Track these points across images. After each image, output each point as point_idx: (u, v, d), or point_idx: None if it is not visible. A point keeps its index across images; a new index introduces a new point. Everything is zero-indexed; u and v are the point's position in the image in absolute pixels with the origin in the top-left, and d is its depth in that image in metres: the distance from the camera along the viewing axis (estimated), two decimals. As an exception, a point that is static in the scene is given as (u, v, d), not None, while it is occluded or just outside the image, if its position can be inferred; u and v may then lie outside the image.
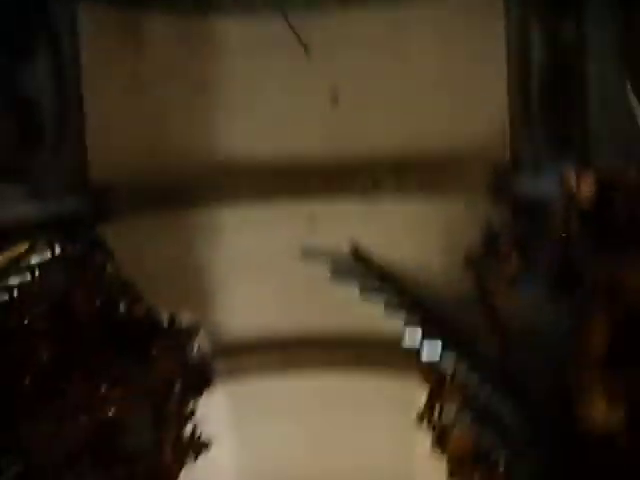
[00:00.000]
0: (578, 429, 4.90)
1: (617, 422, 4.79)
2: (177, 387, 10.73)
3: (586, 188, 5.55)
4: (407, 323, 5.32)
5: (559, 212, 5.63)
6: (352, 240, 4.91)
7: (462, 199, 9.81)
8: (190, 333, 10.79)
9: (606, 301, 4.95)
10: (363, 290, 5.08)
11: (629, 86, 5.95)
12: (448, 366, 6.60)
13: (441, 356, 5.60)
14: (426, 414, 9.84)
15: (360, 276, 4.92)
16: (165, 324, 10.35)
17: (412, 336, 5.29)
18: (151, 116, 10.49)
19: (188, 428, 11.00)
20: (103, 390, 8.77)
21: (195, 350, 11.05)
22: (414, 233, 9.05)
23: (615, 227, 5.38)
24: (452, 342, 5.25)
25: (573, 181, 5.65)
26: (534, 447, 5.39)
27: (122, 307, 9.88)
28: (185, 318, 10.74)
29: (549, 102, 8.02)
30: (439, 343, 5.32)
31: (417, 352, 10.15)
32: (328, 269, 4.91)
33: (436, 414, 9.57)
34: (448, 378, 8.52)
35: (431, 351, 5.67)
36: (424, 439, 9.94)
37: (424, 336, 5.33)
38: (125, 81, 10.31)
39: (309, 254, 4.88)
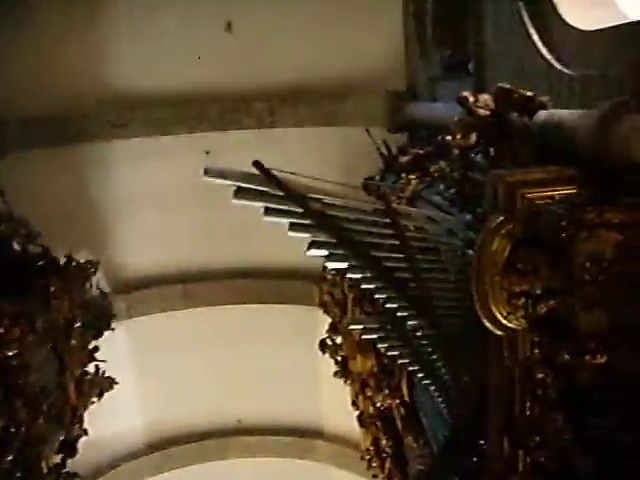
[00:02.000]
0: (482, 337, 5.10)
1: (517, 323, 5.00)
2: (77, 325, 10.62)
3: (483, 106, 5.70)
4: (311, 244, 5.36)
5: (457, 130, 5.76)
6: (255, 159, 4.89)
7: (361, 128, 9.92)
8: (88, 271, 10.65)
9: (505, 212, 5.11)
10: (268, 210, 5.07)
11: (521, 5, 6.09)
12: (352, 284, 6.77)
13: (344, 274, 5.69)
14: (328, 341, 10.07)
15: (265, 195, 4.91)
16: (62, 262, 10.18)
17: (317, 254, 5.33)
18: (40, 50, 10.13)
19: (91, 366, 10.94)
20: (2, 329, 8.60)
21: (94, 288, 10.93)
22: (313, 163, 9.11)
23: (512, 142, 5.57)
24: (356, 259, 5.33)
25: (470, 101, 5.78)
26: (439, 361, 5.61)
27: (17, 245, 9.64)
28: (83, 255, 10.58)
29: (443, 26, 8.13)
30: (343, 262, 5.40)
31: (318, 279, 10.39)
32: (231, 190, 4.88)
33: (338, 340, 9.81)
34: (350, 302, 8.73)
35: (335, 268, 5.75)
36: (328, 367, 10.19)
37: (329, 255, 5.39)
38: (13, 15, 9.92)
39: (211, 173, 4.84)
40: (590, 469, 5.28)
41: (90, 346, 10.87)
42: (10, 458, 8.31)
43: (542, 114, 5.67)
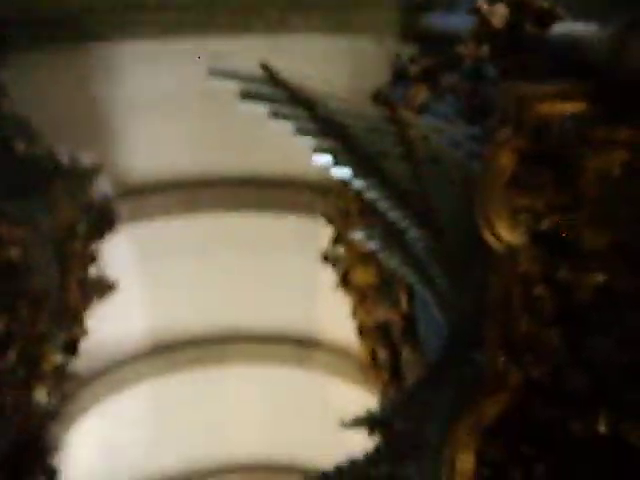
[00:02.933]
0: (483, 247, 5.10)
1: (519, 238, 5.00)
2: (80, 228, 10.65)
3: (498, 16, 5.57)
4: (317, 151, 5.31)
5: (470, 41, 5.66)
6: (263, 62, 4.79)
7: (371, 38, 9.71)
8: (92, 174, 10.62)
9: (514, 126, 5.05)
10: (273, 114, 5.00)
11: None
12: (356, 195, 6.74)
13: (349, 183, 5.66)
14: (330, 253, 10.10)
15: (271, 98, 4.83)
16: (66, 164, 10.14)
17: (322, 161, 5.28)
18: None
19: (93, 269, 11.01)
20: (4, 230, 8.62)
21: (97, 191, 10.90)
22: (321, 70, 8.96)
23: (525, 54, 5.46)
24: (362, 168, 5.29)
25: (485, 10, 5.65)
26: (439, 274, 5.62)
27: (20, 146, 9.58)
28: (87, 158, 10.52)
29: None
30: (348, 170, 5.35)
31: (323, 190, 10.34)
32: (237, 96, 4.81)
33: (340, 252, 9.83)
34: (354, 213, 8.72)
35: (339, 176, 5.71)
36: (328, 278, 10.25)
37: (334, 163, 5.34)
38: None
39: (217, 74, 4.76)
40: (583, 388, 5.34)
41: (92, 249, 10.92)
42: (13, 357, 8.45)
43: (558, 27, 5.53)
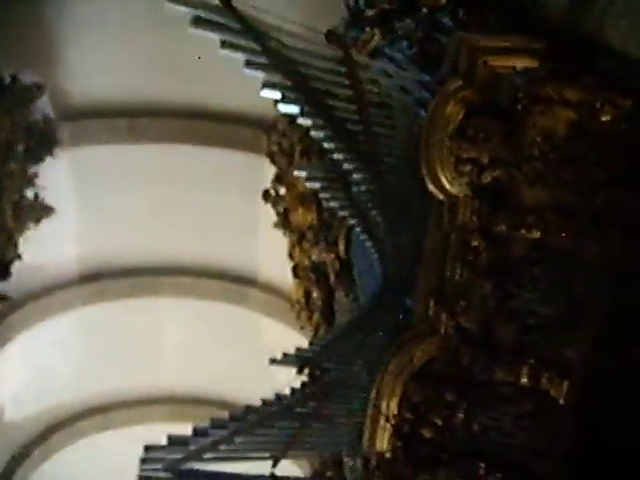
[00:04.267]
0: (424, 196, 5.13)
1: (460, 189, 5.05)
2: (18, 148, 10.41)
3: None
4: (265, 85, 5.25)
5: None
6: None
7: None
8: (33, 94, 10.34)
9: (464, 77, 5.05)
10: (224, 44, 4.91)
11: None
12: (303, 132, 6.71)
13: (295, 120, 5.61)
14: (272, 192, 10.08)
15: (223, 27, 4.74)
16: (7, 82, 9.87)
17: (271, 96, 5.22)
18: None
19: (30, 192, 10.81)
20: None
21: (38, 111, 10.63)
22: (276, 4, 8.78)
23: (482, 6, 5.45)
24: (310, 106, 5.25)
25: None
26: (379, 218, 5.66)
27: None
28: (28, 78, 10.24)
29: None
30: (296, 107, 5.31)
31: (268, 128, 10.27)
32: (190, 20, 4.70)
33: (282, 192, 9.81)
34: (298, 154, 8.69)
35: (286, 112, 5.67)
36: (268, 217, 10.24)
37: (282, 98, 5.29)
38: None
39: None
40: (510, 339, 5.48)
41: (30, 171, 10.69)
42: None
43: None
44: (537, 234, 5.22)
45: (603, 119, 5.02)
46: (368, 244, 5.99)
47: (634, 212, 5.19)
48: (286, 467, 7.51)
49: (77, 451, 14.65)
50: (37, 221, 11.08)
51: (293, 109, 5.25)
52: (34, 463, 14.27)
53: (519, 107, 5.08)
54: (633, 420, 5.47)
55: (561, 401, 5.50)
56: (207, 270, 12.65)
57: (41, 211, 11.11)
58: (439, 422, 5.37)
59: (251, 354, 11.88)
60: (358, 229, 6.08)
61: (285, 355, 5.80)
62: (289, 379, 6.49)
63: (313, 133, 5.51)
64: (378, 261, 5.94)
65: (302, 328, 9.23)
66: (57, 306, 12.70)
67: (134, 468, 6.69)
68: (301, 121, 5.40)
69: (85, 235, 12.16)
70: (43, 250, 11.62)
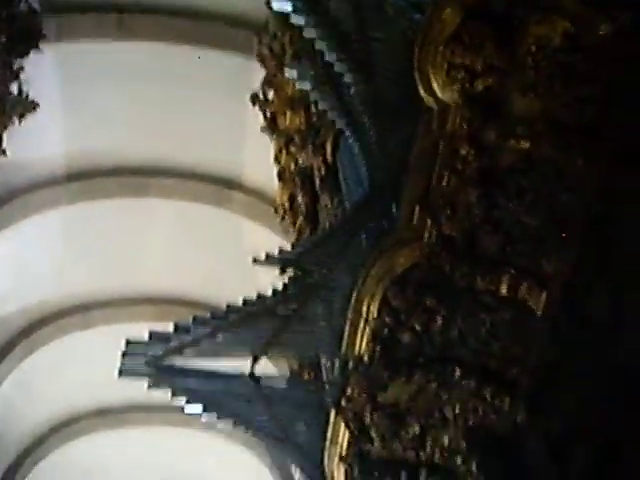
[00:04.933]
0: (416, 101, 5.07)
1: (452, 96, 5.00)
2: (2, 40, 10.17)
3: None
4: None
5: None
6: None
7: None
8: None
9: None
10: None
11: None
12: (295, 32, 6.57)
13: (291, 18, 5.49)
14: (260, 95, 9.93)
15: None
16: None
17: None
18: None
19: (14, 86, 10.61)
20: None
21: (22, 2, 10.36)
22: None
23: None
24: (304, 4, 5.14)
25: None
26: (369, 118, 5.59)
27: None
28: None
29: None
30: (291, 3, 5.19)
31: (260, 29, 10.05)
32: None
33: (270, 95, 9.67)
34: (289, 57, 8.53)
35: (282, 10, 5.54)
36: (256, 120, 10.12)
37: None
38: None
39: None
40: (492, 249, 5.52)
41: (15, 65, 10.46)
42: None
43: None
44: (526, 145, 5.21)
45: (600, 32, 4.95)
46: (356, 148, 5.94)
47: (625, 130, 5.17)
48: (265, 369, 7.65)
49: (59, 348, 14.81)
50: (21, 116, 10.90)
51: (287, 7, 5.13)
52: (16, 359, 14.43)
53: (517, 15, 5.00)
54: (606, 335, 5.57)
55: (538, 312, 5.58)
56: (193, 172, 12.57)
57: (26, 106, 10.91)
58: (418, 327, 5.46)
59: (234, 257, 11.93)
60: (347, 132, 6.03)
61: (268, 256, 5.81)
62: (271, 282, 6.53)
63: (305, 32, 5.40)
64: (365, 166, 5.90)
65: (285, 232, 9.23)
66: (42, 204, 12.64)
67: (116, 365, 6.79)
68: (294, 20, 5.29)
69: (71, 132, 12.00)
70: (28, 147, 11.49)
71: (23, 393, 14.87)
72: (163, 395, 7.54)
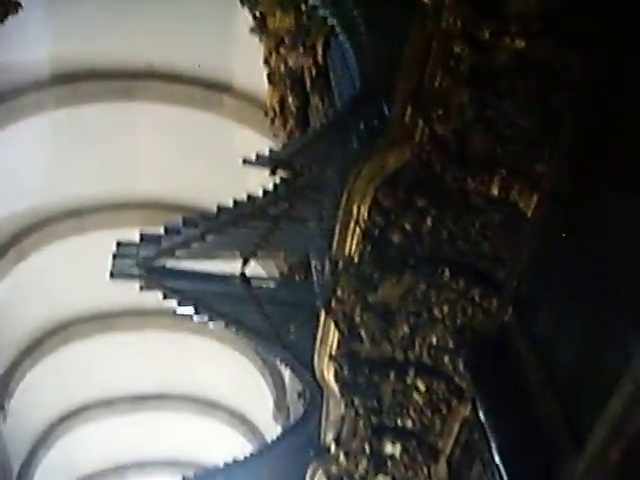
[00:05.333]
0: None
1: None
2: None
3: None
4: None
5: None
6: None
7: None
8: None
9: None
10: None
11: None
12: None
13: None
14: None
15: None
16: None
17: None
18: None
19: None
20: None
21: None
22: None
23: None
24: None
25: None
26: (361, 14, 5.46)
27: None
28: None
29: None
30: None
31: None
32: None
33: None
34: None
35: None
36: (244, 22, 9.91)
37: None
38: None
39: None
40: (484, 149, 5.46)
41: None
42: None
43: None
44: (521, 44, 5.10)
45: None
46: (347, 46, 5.81)
47: (623, 34, 5.05)
48: (254, 272, 7.68)
49: (52, 254, 14.85)
50: (4, 17, 10.65)
51: None
52: (9, 264, 14.49)
53: None
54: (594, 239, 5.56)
55: (529, 214, 5.56)
56: (181, 75, 12.39)
57: (8, 7, 10.65)
58: (408, 227, 5.44)
59: (224, 162, 11.87)
60: (337, 30, 5.88)
61: (258, 156, 5.75)
62: (262, 187, 6.48)
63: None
64: (356, 64, 5.79)
65: (275, 136, 9.15)
66: (29, 107, 12.47)
67: (107, 269, 6.79)
68: None
69: (55, 35, 11.76)
70: (12, 50, 11.28)
71: (17, 298, 14.98)
72: (156, 300, 7.60)
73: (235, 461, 8.04)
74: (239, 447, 15.76)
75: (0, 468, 17.10)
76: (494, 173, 5.46)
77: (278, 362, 11.40)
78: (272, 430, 14.43)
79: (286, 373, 14.00)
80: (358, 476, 7.20)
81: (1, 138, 12.34)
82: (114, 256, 6.43)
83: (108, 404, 18.47)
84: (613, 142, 5.32)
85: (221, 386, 17.67)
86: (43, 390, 17.02)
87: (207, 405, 18.41)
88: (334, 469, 7.30)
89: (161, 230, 6.63)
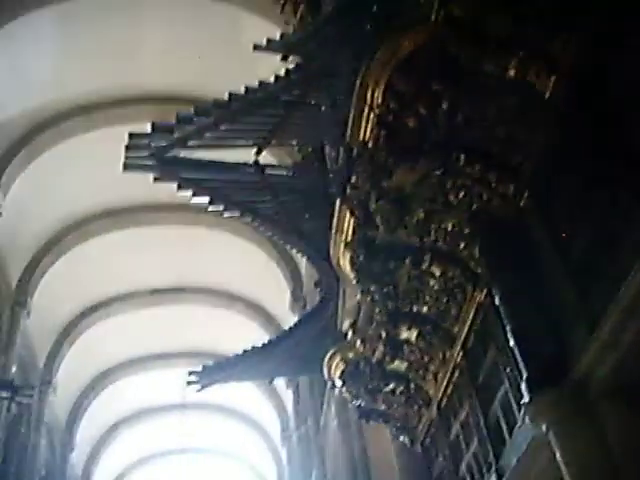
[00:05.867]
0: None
1: None
2: None
3: None
4: None
5: None
6: None
7: None
8: None
9: None
10: None
11: None
12: None
13: None
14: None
15: None
16: None
17: None
18: None
19: None
20: None
21: None
22: None
23: None
24: None
25: None
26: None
27: None
28: None
29: None
30: None
31: None
32: None
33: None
34: None
35: None
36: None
37: None
38: None
39: None
40: (501, 28, 5.29)
41: None
42: None
43: None
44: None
45: None
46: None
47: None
48: (268, 162, 7.61)
49: (64, 151, 14.84)
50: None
51: None
52: (23, 162, 14.49)
53: None
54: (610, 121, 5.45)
55: (546, 95, 5.42)
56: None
57: None
58: (423, 112, 5.32)
59: (234, 52, 11.63)
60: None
61: (269, 41, 5.59)
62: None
63: None
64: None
65: (286, 23, 8.89)
66: (31, 2, 12.21)
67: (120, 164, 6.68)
68: None
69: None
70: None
71: (32, 196, 15.05)
72: (170, 194, 7.52)
73: (254, 347, 8.18)
74: (257, 337, 16.06)
75: (27, 362, 17.59)
76: (511, 54, 5.30)
77: (294, 253, 11.48)
78: (289, 320, 14.68)
79: (302, 264, 14.12)
80: (375, 361, 7.31)
81: (5, 36, 12.12)
82: (126, 147, 6.37)
83: (128, 298, 18.79)
84: (633, 24, 5.16)
85: (238, 278, 17.89)
86: (63, 287, 17.31)
87: (225, 297, 18.69)
88: (351, 355, 7.42)
89: (173, 120, 6.54)
